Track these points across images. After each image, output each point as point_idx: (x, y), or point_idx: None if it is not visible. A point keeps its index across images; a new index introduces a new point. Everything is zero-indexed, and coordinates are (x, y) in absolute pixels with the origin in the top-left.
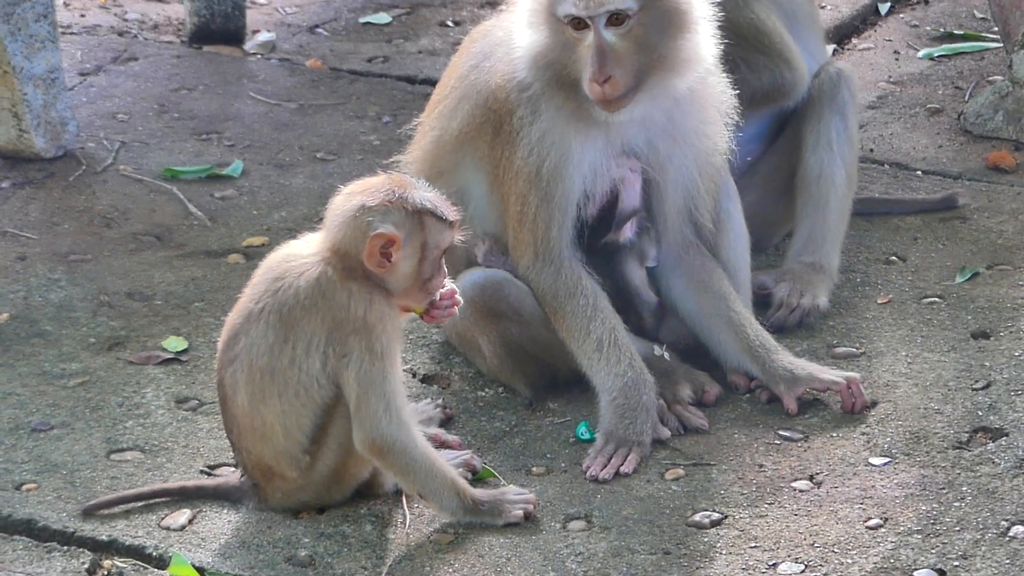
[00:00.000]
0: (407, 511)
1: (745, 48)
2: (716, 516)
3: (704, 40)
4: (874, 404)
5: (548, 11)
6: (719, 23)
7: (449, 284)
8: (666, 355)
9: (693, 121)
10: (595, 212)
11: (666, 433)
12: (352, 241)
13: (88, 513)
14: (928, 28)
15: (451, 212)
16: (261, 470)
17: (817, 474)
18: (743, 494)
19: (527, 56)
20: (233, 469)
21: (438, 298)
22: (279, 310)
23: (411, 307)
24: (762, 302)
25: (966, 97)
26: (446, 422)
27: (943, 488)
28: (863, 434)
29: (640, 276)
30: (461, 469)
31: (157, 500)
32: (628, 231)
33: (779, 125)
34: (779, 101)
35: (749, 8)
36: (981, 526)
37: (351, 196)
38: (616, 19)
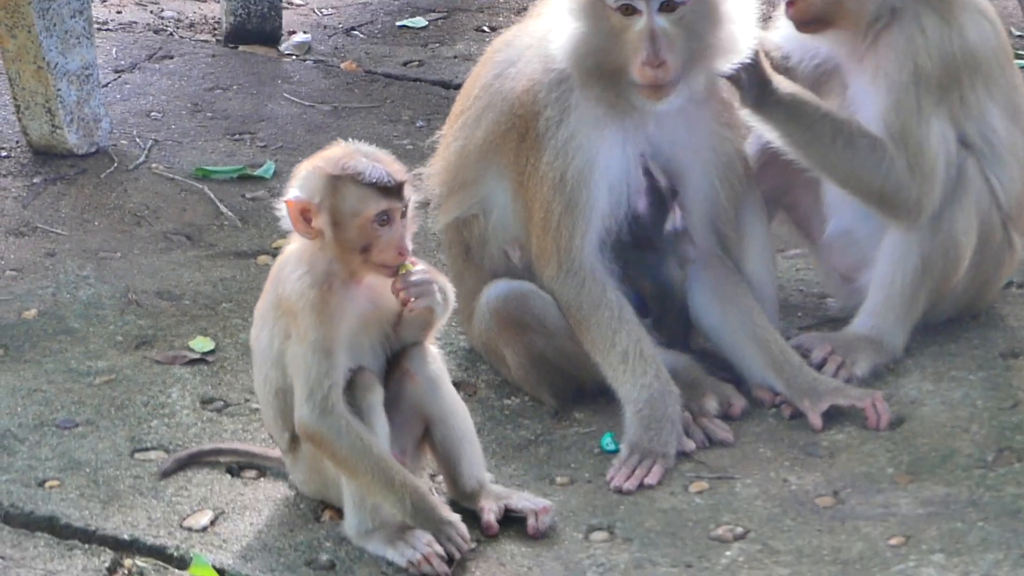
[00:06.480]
0: None
1: (896, 145)
2: (739, 530)
3: (744, 30)
4: (900, 421)
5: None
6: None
7: (417, 266)
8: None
9: (713, 125)
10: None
11: (691, 445)
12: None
13: (167, 474)
14: None
15: (383, 179)
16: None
17: (841, 490)
18: (766, 508)
19: (568, 45)
20: (256, 473)
21: (407, 273)
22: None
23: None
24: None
25: None
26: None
27: (967, 507)
28: (888, 451)
29: (681, 277)
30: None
31: (215, 459)
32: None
33: None
34: (890, 213)
35: (923, 118)
36: (1005, 546)
37: None
38: (668, 6)
